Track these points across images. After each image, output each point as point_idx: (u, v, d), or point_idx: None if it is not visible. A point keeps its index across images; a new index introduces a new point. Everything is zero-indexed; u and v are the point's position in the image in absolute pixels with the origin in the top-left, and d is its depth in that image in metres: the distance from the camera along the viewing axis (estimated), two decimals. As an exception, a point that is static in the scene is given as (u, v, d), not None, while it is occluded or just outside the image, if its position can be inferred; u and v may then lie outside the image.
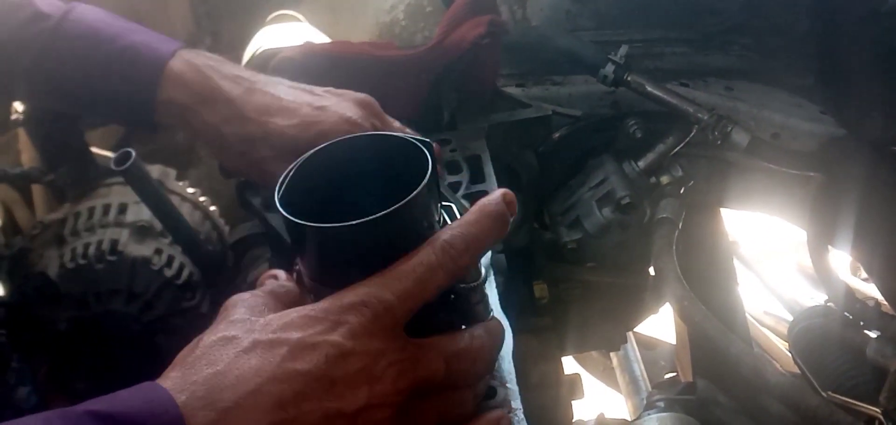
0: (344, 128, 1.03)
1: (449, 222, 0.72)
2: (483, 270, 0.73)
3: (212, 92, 1.06)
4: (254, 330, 0.66)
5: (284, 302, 0.73)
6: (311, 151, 0.74)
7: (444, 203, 0.74)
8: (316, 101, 1.07)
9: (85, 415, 0.57)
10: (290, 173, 0.71)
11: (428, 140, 0.71)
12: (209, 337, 0.66)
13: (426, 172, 0.68)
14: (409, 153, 0.72)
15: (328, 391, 0.63)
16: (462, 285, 0.72)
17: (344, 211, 0.66)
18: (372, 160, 0.75)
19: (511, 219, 0.73)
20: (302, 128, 1.04)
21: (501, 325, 0.75)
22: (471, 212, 0.72)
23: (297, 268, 0.74)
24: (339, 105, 1.07)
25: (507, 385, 0.77)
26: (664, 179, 1.45)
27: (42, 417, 0.58)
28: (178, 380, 0.62)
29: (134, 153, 1.05)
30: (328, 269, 0.69)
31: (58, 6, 1.10)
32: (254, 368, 0.62)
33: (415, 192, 0.66)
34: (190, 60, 1.08)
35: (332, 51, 1.30)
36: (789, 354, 1.46)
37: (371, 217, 0.64)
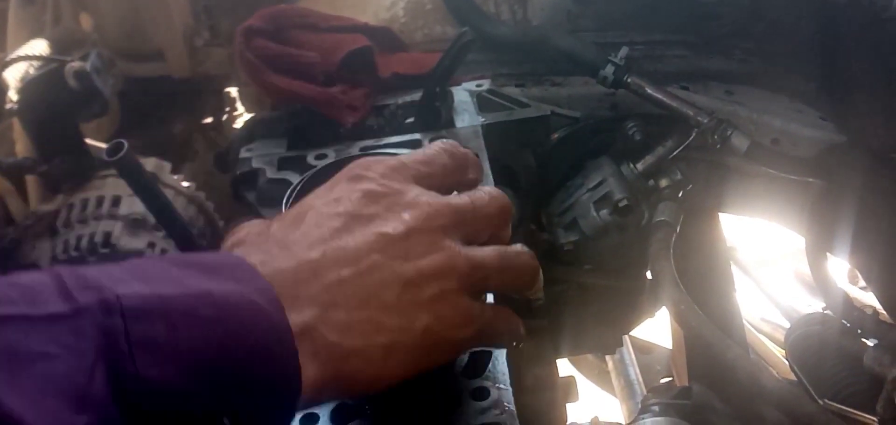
0: None
1: None
2: None
3: None
4: (271, 224, 0.68)
5: None
6: (319, 166, 0.77)
7: None
8: None
9: (167, 261, 0.58)
10: (298, 187, 0.73)
11: None
12: (229, 241, 0.69)
13: None
14: None
15: (370, 221, 0.65)
16: None
17: None
18: None
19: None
20: None
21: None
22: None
23: None
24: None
25: (501, 386, 0.76)
26: (663, 182, 1.44)
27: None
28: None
29: (126, 144, 1.04)
30: None
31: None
32: (292, 233, 0.64)
33: None
34: None
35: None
36: (786, 361, 1.45)
37: None
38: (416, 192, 0.68)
